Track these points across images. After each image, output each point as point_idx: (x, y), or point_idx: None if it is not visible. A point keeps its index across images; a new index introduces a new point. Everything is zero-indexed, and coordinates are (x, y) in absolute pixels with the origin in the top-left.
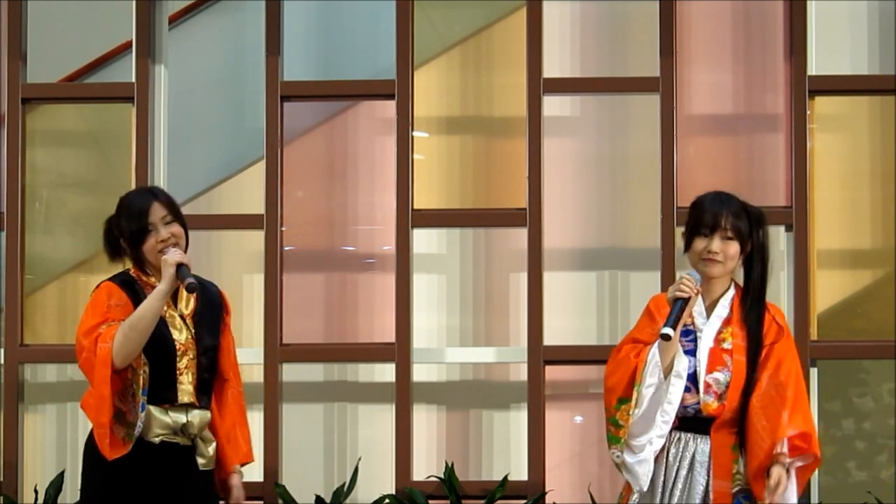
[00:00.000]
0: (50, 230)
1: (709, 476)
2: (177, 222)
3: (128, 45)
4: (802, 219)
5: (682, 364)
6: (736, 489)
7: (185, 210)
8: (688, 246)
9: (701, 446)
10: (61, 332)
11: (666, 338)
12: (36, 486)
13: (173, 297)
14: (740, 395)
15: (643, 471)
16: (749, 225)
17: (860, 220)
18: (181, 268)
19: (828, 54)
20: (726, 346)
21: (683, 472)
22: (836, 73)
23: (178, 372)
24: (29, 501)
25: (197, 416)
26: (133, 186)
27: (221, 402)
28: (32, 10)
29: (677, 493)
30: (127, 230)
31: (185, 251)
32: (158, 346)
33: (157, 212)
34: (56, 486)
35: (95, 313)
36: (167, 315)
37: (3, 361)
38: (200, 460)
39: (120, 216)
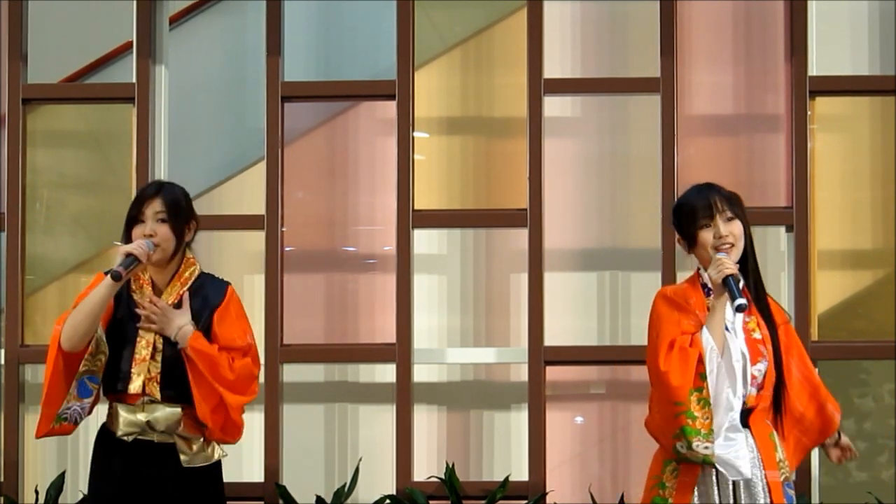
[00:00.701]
0: (50, 230)
1: (761, 469)
2: (169, 224)
3: (128, 46)
4: (803, 219)
5: (736, 346)
6: (782, 478)
7: (195, 213)
8: (693, 243)
9: (749, 440)
10: None
11: (742, 308)
12: (36, 486)
13: (155, 289)
14: (773, 384)
15: (744, 462)
16: (739, 206)
17: (861, 220)
18: (127, 257)
19: (828, 55)
20: (756, 336)
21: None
22: (836, 73)
23: (132, 365)
24: (30, 502)
25: (161, 413)
26: (134, 187)
27: None
28: (33, 10)
29: (741, 491)
30: (127, 216)
31: (175, 253)
32: (118, 336)
33: (154, 206)
34: (57, 486)
35: (77, 300)
36: (141, 307)
37: (3, 362)
38: (183, 457)
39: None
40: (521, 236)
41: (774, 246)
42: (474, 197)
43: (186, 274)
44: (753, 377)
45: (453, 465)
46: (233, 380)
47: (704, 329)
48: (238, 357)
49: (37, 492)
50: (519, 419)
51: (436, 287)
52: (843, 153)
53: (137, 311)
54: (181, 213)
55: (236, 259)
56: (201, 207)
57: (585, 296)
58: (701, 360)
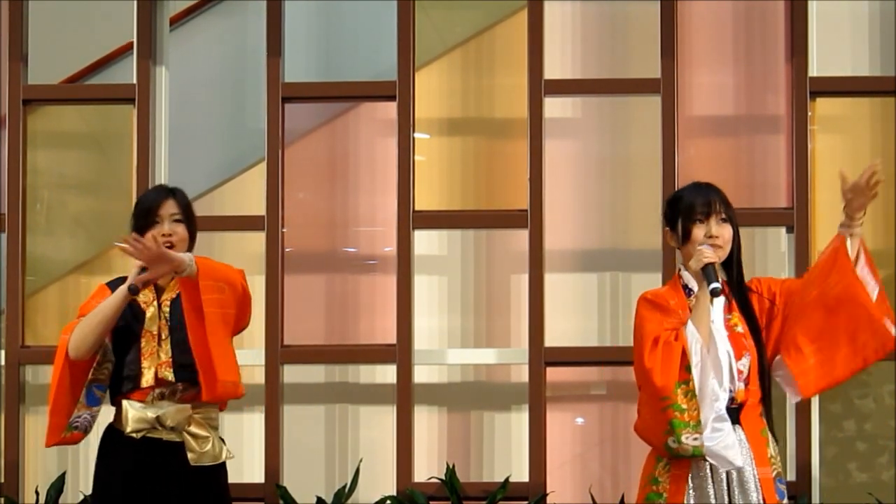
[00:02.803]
0: (51, 231)
1: (753, 466)
2: (184, 224)
3: (129, 47)
4: (803, 220)
5: (721, 338)
6: (774, 474)
7: None
8: (686, 237)
9: (739, 437)
10: None
11: (717, 292)
12: (37, 487)
13: (158, 289)
14: (758, 378)
15: (735, 451)
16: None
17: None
18: (143, 271)
19: (829, 56)
20: (739, 330)
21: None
22: (836, 74)
23: (141, 359)
24: (30, 502)
25: (171, 409)
26: (134, 188)
27: None
28: (33, 11)
29: (736, 488)
30: (134, 224)
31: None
32: (124, 337)
33: (169, 208)
34: (57, 487)
35: (79, 312)
36: (144, 306)
37: (4, 363)
38: (191, 455)
39: (134, 212)
40: (521, 237)
41: (775, 247)
42: (475, 198)
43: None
44: (739, 371)
45: (454, 465)
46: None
47: (689, 322)
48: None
49: (37, 493)
50: (519, 420)
51: (436, 288)
52: (844, 154)
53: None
54: (192, 215)
55: (237, 260)
56: (202, 208)
57: (586, 297)
58: (685, 353)
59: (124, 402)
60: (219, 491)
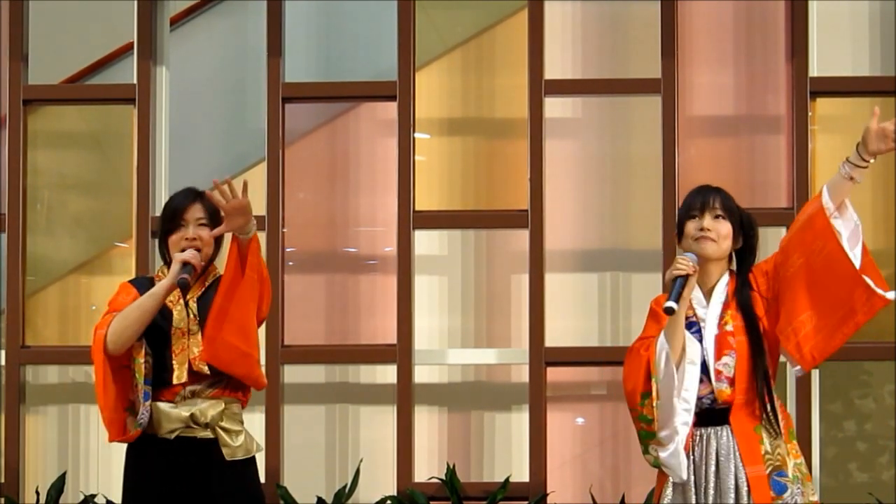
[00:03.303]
0: (51, 231)
1: (737, 466)
2: (209, 228)
3: (129, 47)
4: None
5: (694, 350)
6: (769, 470)
7: None
8: (680, 234)
9: (723, 438)
10: (63, 333)
11: (669, 311)
12: (37, 487)
13: (184, 289)
14: (748, 376)
15: (677, 462)
16: (739, 214)
17: (861, 221)
18: (186, 265)
19: (829, 56)
20: (728, 328)
21: (712, 469)
22: (837, 74)
23: (172, 354)
24: (30, 503)
25: (205, 406)
26: (135, 188)
27: None
28: (34, 11)
29: (711, 490)
30: (162, 226)
31: (212, 259)
32: (157, 333)
33: (195, 212)
34: (57, 487)
35: (108, 308)
36: (171, 306)
37: (4, 363)
38: (225, 450)
39: (162, 214)
40: (521, 237)
41: (775, 246)
42: (475, 198)
43: (210, 279)
44: (718, 372)
45: (454, 465)
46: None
47: (662, 332)
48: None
49: (37, 493)
50: (520, 420)
51: (437, 288)
52: (844, 154)
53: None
54: (219, 219)
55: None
56: None
57: (586, 297)
58: (649, 364)
59: (156, 405)
60: (253, 483)
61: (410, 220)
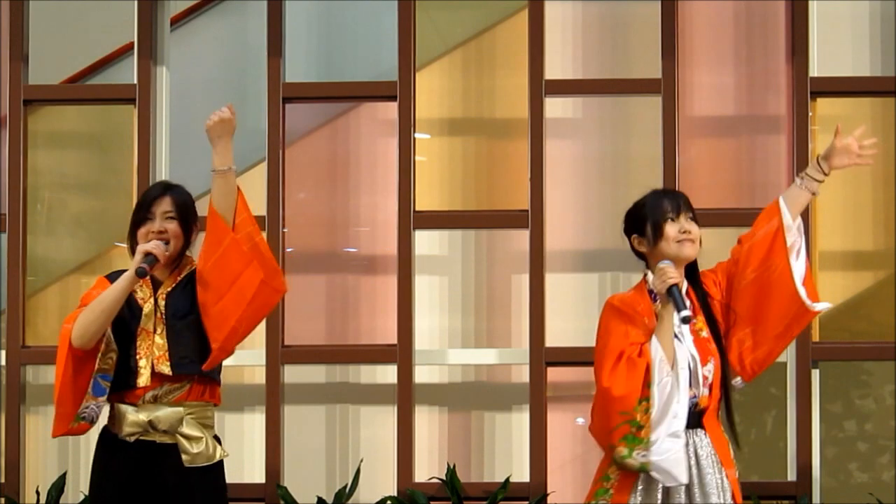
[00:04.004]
0: (51, 231)
1: (716, 467)
2: (177, 221)
3: (129, 47)
4: (804, 220)
5: (683, 354)
6: (737, 473)
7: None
8: (657, 236)
9: (700, 440)
10: None
11: (688, 320)
12: (38, 487)
13: (155, 284)
14: (720, 382)
15: (681, 469)
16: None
17: (861, 221)
18: (147, 256)
19: (829, 56)
20: (704, 335)
21: (695, 470)
22: (837, 74)
23: (137, 356)
24: (31, 502)
25: (165, 413)
26: (135, 188)
27: None
28: (34, 11)
29: (696, 489)
30: (131, 219)
31: (183, 251)
32: (120, 334)
33: (163, 205)
34: (58, 487)
35: (80, 303)
36: (142, 303)
37: (4, 363)
38: (185, 457)
39: (134, 208)
40: (522, 237)
41: None
42: (475, 198)
43: (185, 271)
44: (705, 377)
45: (454, 465)
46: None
47: (654, 339)
48: None
49: (38, 492)
50: (520, 420)
51: (437, 288)
52: None
53: (219, 113)
54: (189, 213)
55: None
56: (202, 208)
57: (586, 297)
58: (648, 370)
59: (118, 406)
60: (215, 491)
61: (410, 220)
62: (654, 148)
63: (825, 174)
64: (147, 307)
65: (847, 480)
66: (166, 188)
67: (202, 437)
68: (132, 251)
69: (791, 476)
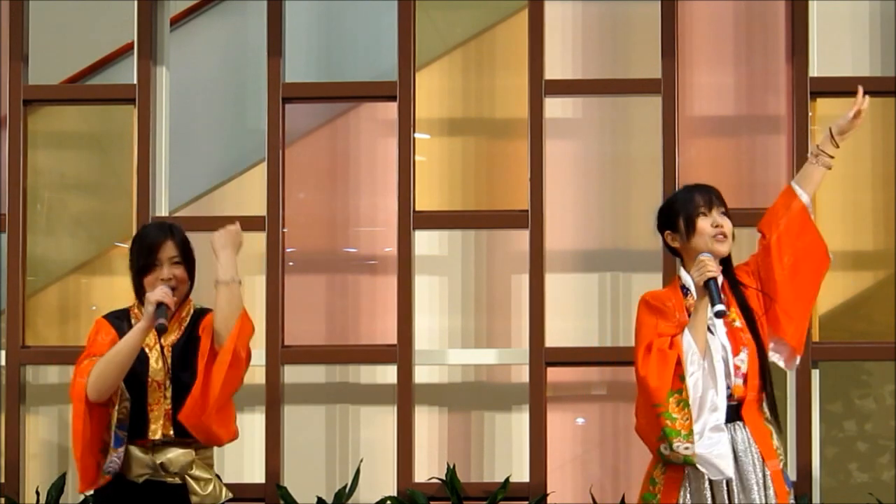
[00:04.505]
0: (51, 232)
1: (756, 461)
2: (183, 265)
3: (129, 47)
4: None
5: (716, 346)
6: (781, 465)
7: (186, 212)
8: (691, 229)
9: (739, 434)
10: (63, 333)
11: (722, 314)
12: (37, 487)
13: (161, 333)
14: (757, 372)
15: (727, 462)
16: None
17: (861, 221)
18: (160, 307)
19: (829, 56)
20: (737, 325)
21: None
22: (837, 74)
23: (148, 407)
24: (30, 503)
25: (176, 455)
26: (134, 188)
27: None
28: (34, 11)
29: (734, 485)
30: (136, 263)
31: (187, 295)
32: (133, 381)
33: (168, 250)
34: (58, 487)
35: (86, 349)
36: (147, 349)
37: (4, 363)
38: (194, 498)
39: (134, 247)
40: (522, 237)
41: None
42: (475, 198)
43: (185, 312)
44: (737, 367)
45: (454, 466)
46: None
47: (686, 330)
48: None
49: (38, 493)
50: (520, 420)
51: (437, 288)
52: (844, 154)
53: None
54: (191, 253)
55: (237, 260)
56: (202, 209)
57: (586, 297)
58: (680, 362)
59: (128, 447)
60: None
61: (410, 220)
62: (654, 148)
63: (837, 146)
64: (154, 356)
65: (847, 480)
66: (168, 231)
67: (210, 479)
68: (138, 297)
69: (791, 476)
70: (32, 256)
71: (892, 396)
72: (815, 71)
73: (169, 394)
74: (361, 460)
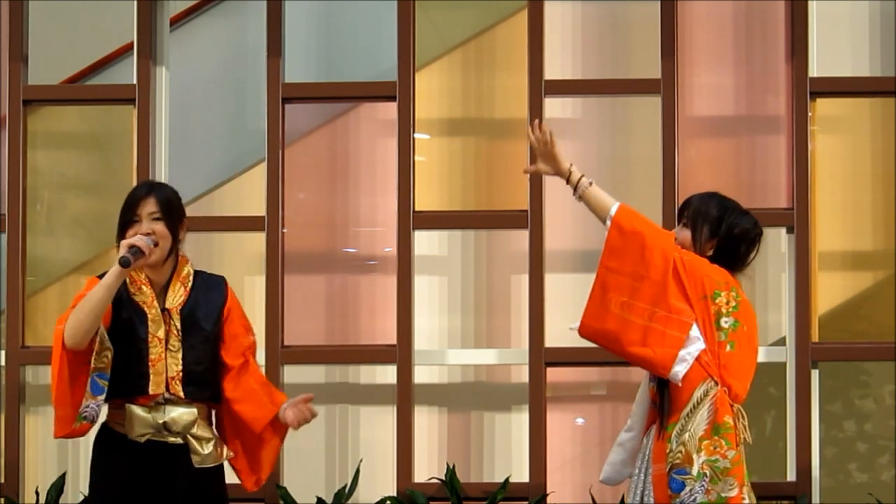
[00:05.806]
0: (51, 232)
1: (647, 464)
2: (164, 222)
3: (129, 47)
4: (804, 220)
5: None
6: (668, 468)
7: (186, 212)
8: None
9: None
10: None
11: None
12: (37, 487)
13: (164, 291)
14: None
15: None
16: None
17: (861, 221)
18: (131, 248)
19: (829, 56)
20: None
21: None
22: (837, 74)
23: (149, 364)
24: (30, 503)
25: (179, 414)
26: None
27: (239, 388)
28: (34, 11)
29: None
30: (119, 221)
31: (172, 252)
32: (127, 337)
33: (148, 206)
34: (57, 487)
35: (72, 303)
36: (145, 307)
37: (4, 363)
38: (195, 458)
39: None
40: (521, 238)
41: (775, 247)
42: (475, 198)
43: (184, 273)
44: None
45: (454, 466)
46: None
47: None
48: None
49: (37, 493)
50: (520, 420)
51: (436, 288)
52: (844, 154)
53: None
54: (175, 211)
55: (237, 260)
56: (202, 209)
57: (586, 297)
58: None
59: (129, 407)
60: (219, 491)
61: (410, 220)
62: (653, 148)
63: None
64: (152, 313)
65: (847, 480)
66: (150, 188)
67: (212, 438)
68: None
69: (791, 476)
70: (32, 256)
71: (892, 396)
72: (814, 71)
73: (177, 358)
74: (361, 460)
